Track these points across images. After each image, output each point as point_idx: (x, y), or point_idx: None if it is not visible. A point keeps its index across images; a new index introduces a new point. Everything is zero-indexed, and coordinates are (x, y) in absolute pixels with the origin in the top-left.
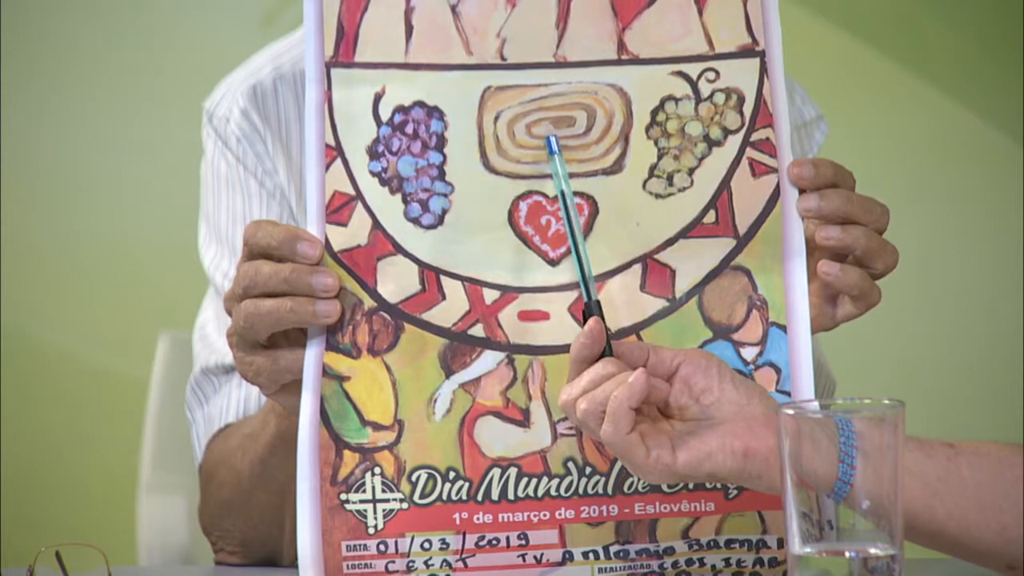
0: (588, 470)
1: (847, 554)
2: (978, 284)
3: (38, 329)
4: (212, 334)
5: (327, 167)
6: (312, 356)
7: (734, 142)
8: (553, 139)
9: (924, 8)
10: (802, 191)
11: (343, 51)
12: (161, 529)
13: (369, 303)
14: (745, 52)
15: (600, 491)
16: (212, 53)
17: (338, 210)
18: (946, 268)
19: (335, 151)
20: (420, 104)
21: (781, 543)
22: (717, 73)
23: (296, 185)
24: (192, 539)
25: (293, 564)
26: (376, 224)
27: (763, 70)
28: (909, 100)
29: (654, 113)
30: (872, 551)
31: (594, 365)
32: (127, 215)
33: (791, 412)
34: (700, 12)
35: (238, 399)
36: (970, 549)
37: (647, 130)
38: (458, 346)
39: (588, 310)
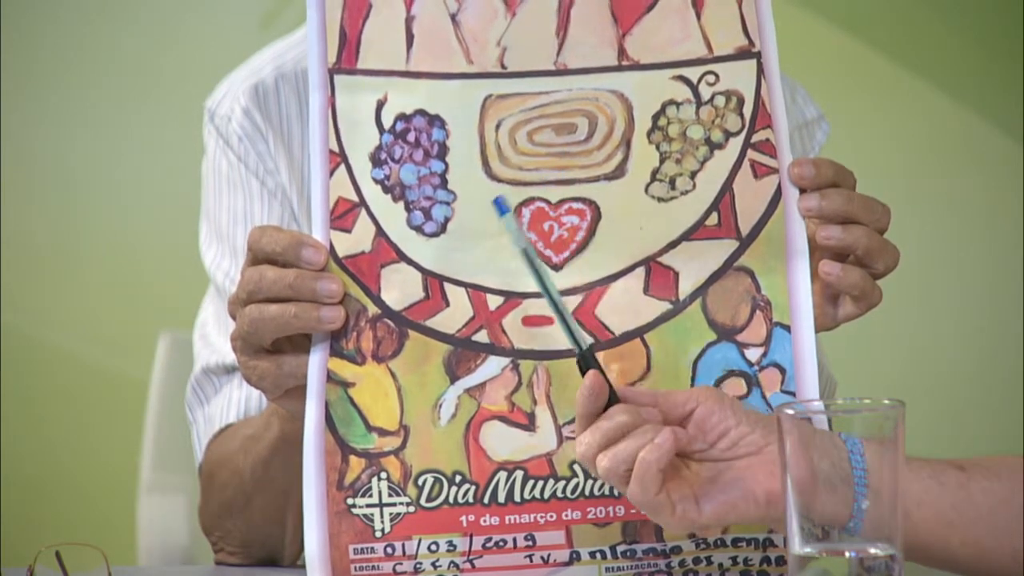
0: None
1: (847, 554)
2: (978, 284)
3: (38, 329)
4: (212, 333)
5: (331, 173)
6: (316, 362)
7: (735, 144)
8: (501, 199)
9: (924, 8)
10: (803, 191)
11: (346, 57)
12: (161, 529)
13: (373, 310)
14: (742, 54)
15: (606, 492)
16: (212, 53)
17: (342, 216)
18: (946, 268)
19: (339, 157)
20: (421, 112)
21: None
22: (716, 76)
23: (298, 185)
24: (192, 539)
25: (293, 564)
26: (380, 231)
27: (760, 71)
28: (909, 100)
29: (655, 118)
30: (872, 551)
31: (607, 415)
32: (127, 215)
33: (791, 412)
34: (698, 16)
35: (239, 399)
36: (984, 573)
37: (649, 135)
38: (463, 352)
39: (583, 360)
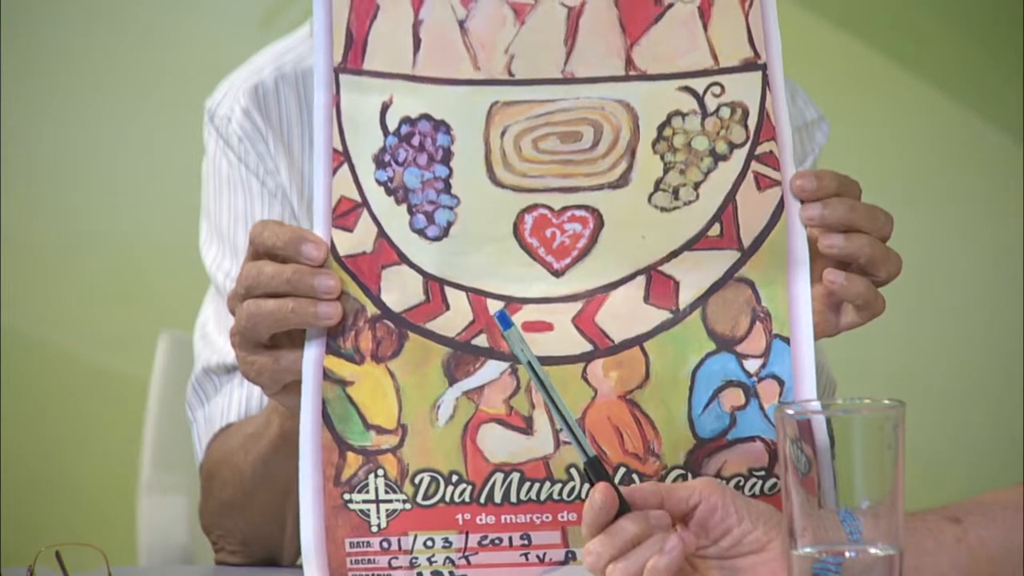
0: None
1: (847, 554)
2: (978, 285)
3: (38, 329)
4: (213, 333)
5: (334, 171)
6: (311, 358)
7: (739, 156)
8: (503, 313)
9: (924, 8)
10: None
11: (351, 58)
12: (161, 529)
13: (372, 310)
14: (748, 66)
15: None
16: (212, 53)
17: (344, 215)
18: (946, 269)
19: (342, 156)
20: (427, 117)
21: None
22: (722, 88)
23: (298, 185)
24: (192, 539)
25: (293, 564)
26: (381, 232)
27: (765, 83)
28: (909, 100)
29: (661, 128)
30: (872, 551)
31: (617, 526)
32: (127, 215)
33: (790, 412)
34: (705, 27)
35: (239, 399)
36: None
37: (654, 145)
38: (462, 355)
39: (592, 469)
